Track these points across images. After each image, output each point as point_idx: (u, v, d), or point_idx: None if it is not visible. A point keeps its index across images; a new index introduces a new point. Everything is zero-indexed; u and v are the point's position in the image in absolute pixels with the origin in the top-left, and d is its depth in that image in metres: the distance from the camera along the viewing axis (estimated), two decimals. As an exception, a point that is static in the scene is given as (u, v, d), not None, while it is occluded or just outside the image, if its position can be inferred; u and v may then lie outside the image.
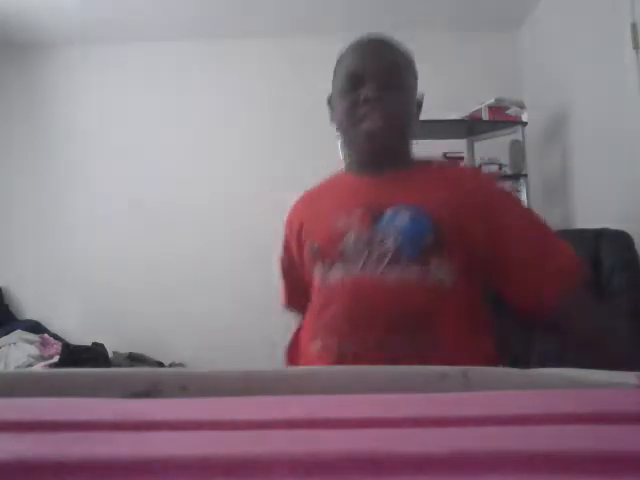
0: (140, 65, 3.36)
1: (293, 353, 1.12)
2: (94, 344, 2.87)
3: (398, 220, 0.95)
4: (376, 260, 0.94)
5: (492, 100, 2.73)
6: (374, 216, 0.97)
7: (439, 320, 0.93)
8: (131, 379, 0.49)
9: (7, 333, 2.90)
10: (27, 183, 3.31)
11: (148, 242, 3.18)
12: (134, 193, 3.22)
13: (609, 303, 1.14)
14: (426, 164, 1.08)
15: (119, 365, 2.80)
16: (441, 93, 2.66)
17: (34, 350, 2.79)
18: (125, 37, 3.26)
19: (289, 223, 1.17)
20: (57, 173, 3.32)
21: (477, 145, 2.93)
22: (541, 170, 2.92)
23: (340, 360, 0.95)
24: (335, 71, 1.07)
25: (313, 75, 3.02)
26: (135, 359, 2.93)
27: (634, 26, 1.95)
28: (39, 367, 2.61)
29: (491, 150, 2.83)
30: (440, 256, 0.93)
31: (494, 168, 2.76)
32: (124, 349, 2.97)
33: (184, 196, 3.20)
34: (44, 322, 3.16)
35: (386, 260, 0.94)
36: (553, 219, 2.66)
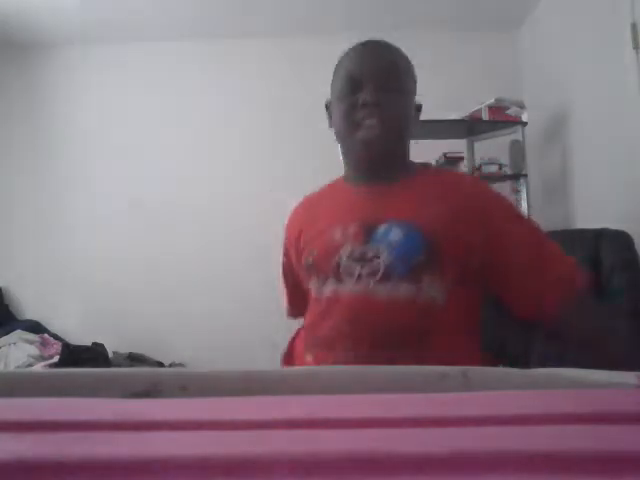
0: (140, 65, 3.36)
1: (288, 362, 1.12)
2: (94, 344, 2.87)
3: (390, 236, 0.94)
4: (368, 277, 0.94)
5: (492, 100, 2.73)
6: (368, 231, 0.96)
7: (429, 338, 0.92)
8: (131, 379, 0.49)
9: (7, 333, 2.90)
10: (27, 183, 3.31)
11: (148, 242, 3.18)
12: (134, 193, 3.22)
13: (609, 304, 1.14)
14: (424, 170, 1.07)
15: (119, 365, 2.80)
16: (441, 93, 2.66)
17: (34, 350, 2.79)
18: (125, 37, 3.26)
19: (288, 230, 1.17)
20: (57, 173, 3.32)
21: (477, 145, 2.93)
22: (541, 170, 2.92)
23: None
24: (333, 76, 1.07)
25: (313, 75, 3.02)
26: (135, 359, 2.93)
27: (634, 26, 1.95)
28: (39, 367, 2.61)
29: (491, 150, 2.83)
30: (432, 273, 0.93)
31: (494, 168, 2.76)
32: (124, 349, 2.98)
33: (184, 196, 3.21)
34: (44, 322, 3.16)
35: (377, 277, 0.93)
36: (553, 219, 2.68)
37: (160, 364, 2.94)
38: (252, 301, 3.00)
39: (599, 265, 1.37)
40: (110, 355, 2.87)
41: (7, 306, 3.20)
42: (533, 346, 1.27)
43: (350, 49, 1.05)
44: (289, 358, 1.12)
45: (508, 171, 2.73)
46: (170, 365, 2.92)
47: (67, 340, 3.01)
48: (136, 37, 3.25)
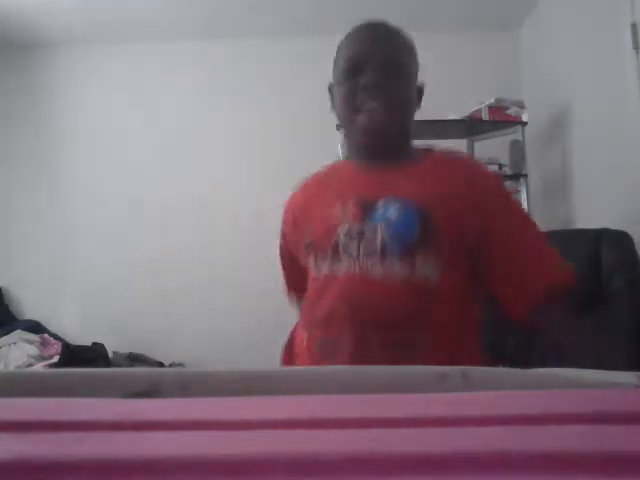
0: (140, 65, 3.36)
1: (289, 346, 1.12)
2: (94, 344, 2.87)
3: (388, 214, 0.95)
4: (365, 255, 0.94)
5: (492, 100, 2.73)
6: (366, 209, 0.97)
7: (423, 317, 0.92)
8: (131, 379, 0.49)
9: (7, 333, 2.90)
10: (27, 183, 3.31)
11: (148, 242, 3.18)
12: (134, 194, 3.22)
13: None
14: (427, 153, 1.07)
15: (119, 365, 2.80)
16: (441, 93, 2.66)
17: (34, 350, 2.79)
18: (125, 37, 3.25)
19: (287, 212, 1.17)
20: (57, 173, 3.32)
21: (477, 145, 2.93)
22: (541, 170, 2.92)
23: (322, 353, 0.96)
24: (335, 58, 1.06)
25: (313, 75, 3.02)
26: (135, 359, 2.93)
27: (634, 26, 1.95)
28: (39, 367, 2.61)
29: (491, 150, 2.83)
30: (426, 252, 0.93)
31: (494, 168, 2.75)
32: (124, 349, 2.98)
33: (184, 196, 3.20)
34: (44, 322, 3.16)
35: (373, 256, 0.94)
36: (553, 219, 2.68)
37: (160, 364, 2.94)
38: (252, 301, 3.00)
39: (599, 265, 1.37)
40: (110, 355, 2.87)
41: (7, 306, 3.20)
42: (533, 346, 1.27)
43: (351, 31, 1.05)
44: (289, 349, 1.12)
45: (508, 171, 2.73)
46: (170, 365, 2.92)
47: (67, 340, 3.01)
48: (136, 37, 3.25)
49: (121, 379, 0.50)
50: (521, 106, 2.74)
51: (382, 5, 2.95)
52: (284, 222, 1.18)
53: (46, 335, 3.01)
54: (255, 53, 3.28)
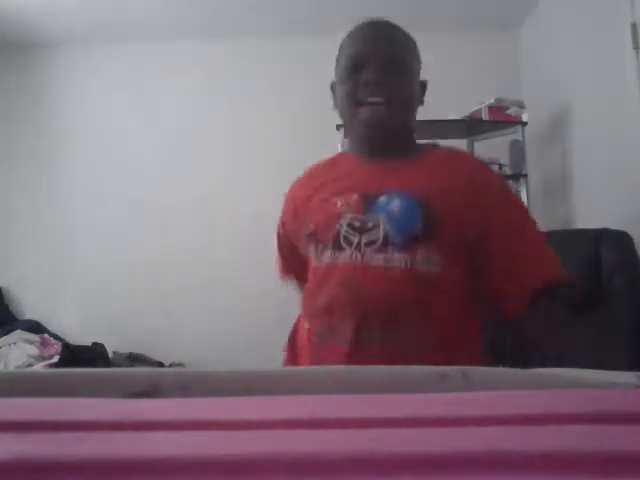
0: (140, 65, 3.36)
1: (292, 338, 1.12)
2: (94, 344, 2.87)
3: (390, 206, 0.95)
4: (366, 246, 0.95)
5: (492, 100, 2.73)
6: (368, 201, 0.97)
7: (423, 308, 0.93)
8: (131, 379, 0.49)
9: (7, 333, 2.90)
10: (27, 183, 3.31)
11: (148, 242, 3.18)
12: (134, 194, 3.22)
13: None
14: (430, 149, 1.07)
15: (119, 365, 2.80)
16: (441, 93, 2.65)
17: (34, 350, 2.79)
18: (124, 37, 3.25)
19: (287, 201, 1.17)
20: (57, 173, 3.32)
21: (477, 145, 2.93)
22: (541, 170, 2.92)
23: (322, 342, 0.97)
24: (337, 56, 1.07)
25: (314, 75, 3.02)
26: (135, 359, 2.93)
27: (634, 26, 1.95)
28: (39, 367, 2.61)
29: (491, 150, 2.83)
30: (428, 245, 0.94)
31: (494, 168, 2.76)
32: (124, 349, 2.97)
33: (184, 196, 3.20)
34: (44, 322, 3.16)
35: (375, 246, 0.94)
36: (553, 219, 2.68)
37: (160, 364, 2.94)
38: (252, 301, 3.00)
39: (599, 265, 1.37)
40: (110, 355, 2.87)
41: (7, 306, 3.20)
42: (533, 346, 1.27)
43: (353, 29, 1.05)
44: (292, 341, 1.12)
45: (508, 171, 2.73)
46: (170, 365, 2.92)
47: (67, 340, 3.00)
48: (136, 37, 3.25)
49: (121, 379, 0.50)
50: (521, 106, 2.74)
51: (382, 5, 2.95)
52: (284, 212, 1.18)
53: (46, 335, 3.01)
54: (255, 53, 3.28)
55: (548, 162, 2.87)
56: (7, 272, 3.22)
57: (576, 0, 2.50)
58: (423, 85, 1.07)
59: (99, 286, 3.18)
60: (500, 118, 2.74)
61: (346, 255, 0.96)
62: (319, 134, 2.80)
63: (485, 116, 2.74)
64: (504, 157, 2.76)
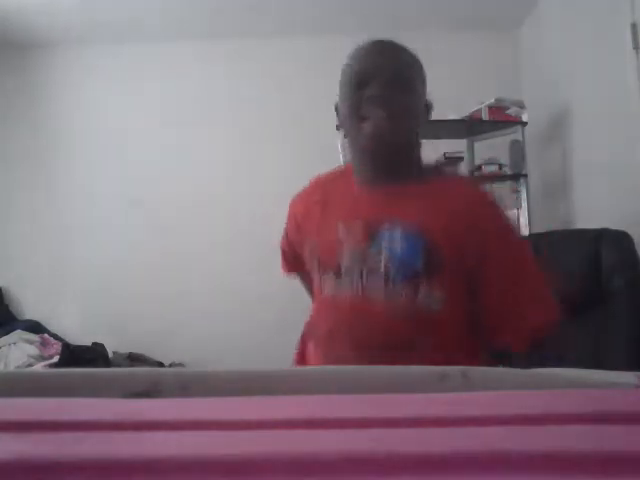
0: (139, 65, 3.35)
1: (300, 354, 1.13)
2: (94, 344, 2.87)
3: (393, 240, 0.95)
4: (367, 279, 0.95)
5: (492, 100, 2.73)
6: (370, 232, 0.97)
7: (424, 346, 0.93)
8: (131, 379, 0.49)
9: (7, 333, 2.90)
10: (26, 183, 3.30)
11: (148, 242, 3.18)
12: (134, 193, 3.22)
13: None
14: (434, 174, 1.06)
15: (119, 365, 2.80)
16: (441, 93, 2.65)
17: (34, 350, 2.79)
18: (124, 37, 3.25)
19: (290, 216, 1.18)
20: (55, 173, 3.31)
21: (477, 145, 2.93)
22: (541, 170, 2.92)
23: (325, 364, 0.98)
24: (341, 76, 1.06)
25: (314, 75, 3.02)
26: (135, 359, 2.92)
27: (634, 26, 1.95)
28: (39, 367, 2.61)
29: (491, 150, 2.83)
30: (430, 282, 0.94)
31: (494, 168, 2.76)
32: (124, 349, 2.97)
33: (184, 196, 3.20)
34: (44, 322, 3.15)
35: (376, 282, 0.95)
36: (553, 219, 2.68)
37: (160, 364, 2.93)
38: (252, 301, 3.00)
39: (599, 265, 1.37)
40: (110, 355, 2.87)
41: (7, 306, 3.20)
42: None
43: (357, 48, 1.05)
44: (301, 350, 1.13)
45: (508, 171, 2.73)
46: (170, 365, 2.92)
47: (67, 340, 3.00)
48: (135, 37, 3.25)
49: (121, 379, 0.50)
50: (521, 106, 2.74)
51: (382, 5, 2.95)
52: (288, 225, 1.19)
53: (46, 335, 3.01)
54: (255, 53, 3.28)
55: (548, 162, 2.87)
56: (7, 272, 3.22)
57: (576, 0, 2.50)
58: (428, 106, 1.07)
59: (99, 286, 3.18)
60: (500, 118, 2.74)
61: (347, 286, 0.97)
62: (319, 134, 2.80)
63: (485, 116, 2.74)
64: (504, 157, 2.76)
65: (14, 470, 0.29)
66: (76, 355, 2.67)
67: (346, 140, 1.10)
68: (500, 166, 2.75)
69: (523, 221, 2.61)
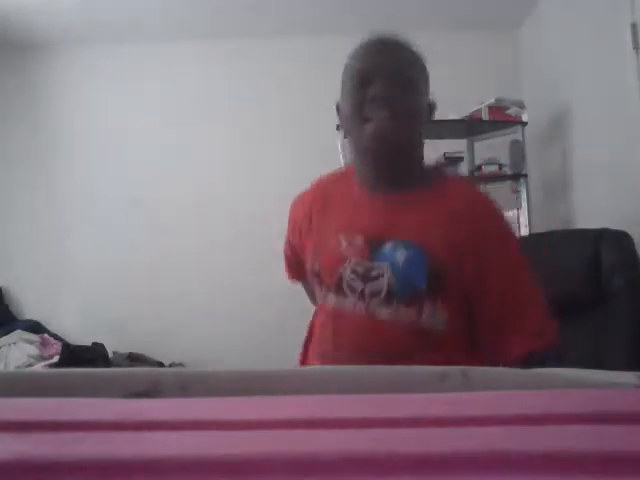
0: (139, 65, 3.35)
1: (303, 358, 1.13)
2: (94, 344, 2.86)
3: (396, 256, 0.94)
4: (370, 296, 0.94)
5: (492, 100, 2.73)
6: (373, 246, 0.96)
7: (427, 364, 0.92)
8: (131, 379, 0.49)
9: (7, 333, 2.90)
10: (26, 183, 3.30)
11: (148, 242, 3.18)
12: (134, 193, 3.22)
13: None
14: (436, 178, 1.04)
15: (119, 365, 2.80)
16: (441, 93, 2.65)
17: (34, 350, 2.79)
18: (124, 37, 3.25)
19: (291, 221, 1.16)
20: (56, 173, 3.31)
21: (477, 145, 2.93)
22: (541, 170, 2.92)
23: None
24: (343, 74, 1.04)
25: (314, 75, 3.02)
26: (135, 359, 2.92)
27: (634, 26, 1.95)
28: (39, 367, 2.61)
29: (491, 150, 2.83)
30: (433, 301, 0.93)
31: (494, 168, 2.76)
32: (124, 349, 2.97)
33: (184, 196, 3.20)
34: (44, 322, 3.15)
35: (378, 299, 0.94)
36: (553, 219, 2.68)
37: (160, 364, 2.93)
38: (252, 301, 3.00)
39: (599, 265, 1.37)
40: (110, 355, 2.87)
41: (7, 306, 3.20)
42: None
43: (359, 46, 1.02)
44: (304, 356, 1.12)
45: (508, 171, 2.73)
46: (170, 365, 2.92)
47: (67, 340, 3.00)
48: (135, 37, 3.25)
49: (121, 379, 0.50)
50: (521, 106, 2.74)
51: (382, 5, 2.95)
52: (289, 230, 1.18)
53: (46, 335, 3.01)
54: (255, 53, 3.28)
55: (548, 162, 2.87)
56: (7, 272, 3.22)
57: (576, 0, 2.50)
58: (431, 106, 1.05)
59: (99, 286, 3.18)
60: (500, 118, 2.74)
61: (350, 303, 0.96)
62: (319, 134, 2.80)
63: (485, 116, 2.74)
64: (504, 157, 2.76)
65: (14, 470, 0.29)
66: (76, 355, 2.67)
67: (347, 140, 1.08)
68: (500, 166, 2.75)
69: (523, 221, 2.61)
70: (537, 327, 0.95)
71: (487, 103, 2.73)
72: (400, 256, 0.94)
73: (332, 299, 0.99)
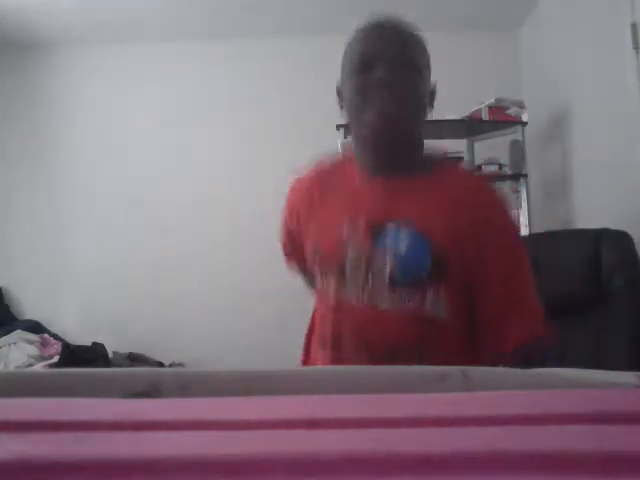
0: (139, 65, 3.35)
1: (306, 354, 1.12)
2: (94, 344, 2.86)
3: (398, 243, 0.93)
4: (371, 285, 0.94)
5: (492, 100, 2.73)
6: (375, 233, 0.95)
7: (430, 353, 0.92)
8: (131, 379, 0.49)
9: (7, 333, 2.90)
10: (26, 183, 3.30)
11: (148, 242, 3.18)
12: (134, 193, 3.22)
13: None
14: (437, 164, 1.03)
15: (119, 365, 2.80)
16: (441, 93, 2.65)
17: (34, 350, 2.79)
18: (124, 37, 3.25)
19: (290, 206, 1.14)
20: (56, 173, 3.31)
21: (477, 145, 2.93)
22: (541, 170, 2.92)
23: None
24: (344, 55, 1.02)
25: (314, 75, 3.02)
26: (135, 359, 2.92)
27: (634, 26, 1.95)
28: (39, 367, 2.61)
29: (491, 150, 2.83)
30: (436, 288, 0.92)
31: (494, 168, 2.76)
32: (124, 349, 2.97)
33: (184, 196, 3.20)
34: (44, 322, 3.15)
35: (380, 287, 0.93)
36: (553, 219, 2.68)
37: (160, 364, 2.93)
38: (252, 301, 3.00)
39: (599, 265, 1.37)
40: (110, 355, 2.87)
41: (7, 306, 3.20)
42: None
43: (362, 27, 1.00)
44: (306, 350, 1.12)
45: (508, 171, 2.73)
46: (170, 365, 2.92)
47: (67, 340, 3.00)
48: (135, 37, 3.25)
49: (121, 379, 0.50)
50: (521, 106, 2.74)
51: (382, 5, 2.95)
52: (286, 215, 1.15)
53: (46, 335, 3.01)
54: (255, 53, 3.28)
55: (548, 162, 2.87)
56: (7, 272, 3.22)
57: (576, 0, 2.50)
58: (432, 91, 1.03)
59: (99, 286, 3.18)
60: (500, 118, 2.74)
61: (351, 290, 0.95)
62: (319, 134, 2.80)
63: (485, 116, 2.74)
64: (504, 157, 2.76)
65: (14, 470, 0.29)
66: (76, 355, 2.67)
67: (348, 138, 1.07)
68: (500, 166, 2.75)
69: (523, 221, 2.61)
70: (535, 314, 0.95)
71: (487, 103, 2.73)
72: (403, 243, 0.93)
73: (333, 286, 0.98)
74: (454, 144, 2.83)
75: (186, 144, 3.27)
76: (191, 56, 3.32)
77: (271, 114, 3.22)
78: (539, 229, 2.45)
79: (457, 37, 3.14)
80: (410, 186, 0.97)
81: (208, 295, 3.09)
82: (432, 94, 1.04)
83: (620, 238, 1.40)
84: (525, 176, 2.68)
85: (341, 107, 1.04)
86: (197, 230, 3.17)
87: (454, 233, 0.93)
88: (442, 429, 0.36)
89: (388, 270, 0.93)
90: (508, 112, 2.74)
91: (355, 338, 0.95)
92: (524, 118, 2.71)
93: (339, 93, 1.04)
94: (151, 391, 0.47)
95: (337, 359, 0.98)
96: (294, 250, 1.16)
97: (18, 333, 2.91)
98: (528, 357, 0.93)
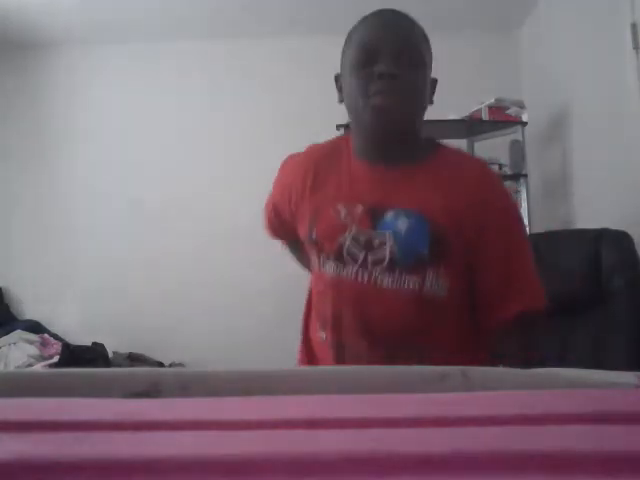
0: (140, 65, 3.35)
1: (305, 336, 1.12)
2: (94, 344, 2.86)
3: (398, 224, 0.93)
4: (371, 266, 0.94)
5: (492, 100, 2.73)
6: (375, 216, 0.95)
7: (431, 333, 0.93)
8: (131, 379, 0.49)
9: (7, 333, 2.90)
10: (27, 183, 3.30)
11: (148, 242, 3.18)
12: (134, 193, 3.22)
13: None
14: (435, 150, 1.03)
15: (119, 365, 2.80)
16: (441, 93, 2.65)
17: (34, 350, 2.79)
18: (125, 37, 3.25)
19: (282, 185, 1.14)
20: (57, 173, 3.31)
21: (477, 145, 2.93)
22: (541, 170, 2.92)
23: (337, 352, 0.98)
24: (345, 45, 1.01)
25: (314, 75, 3.02)
26: (135, 359, 2.92)
27: (634, 26, 1.95)
28: (39, 367, 2.61)
29: (491, 150, 2.82)
30: (436, 267, 0.93)
31: (494, 168, 2.76)
32: (124, 349, 2.97)
33: (184, 196, 3.20)
34: (44, 322, 3.15)
35: (381, 267, 0.93)
36: (553, 219, 2.68)
37: (160, 364, 2.93)
38: (252, 301, 3.00)
39: (599, 265, 1.37)
40: (110, 355, 2.87)
41: (7, 306, 3.20)
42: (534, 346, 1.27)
43: (364, 18, 1.00)
44: (305, 332, 1.12)
45: (508, 171, 2.73)
46: (170, 365, 2.92)
47: (67, 340, 3.00)
48: (136, 37, 3.25)
49: (121, 379, 0.50)
50: (521, 106, 2.74)
51: (382, 5, 2.95)
52: (277, 193, 1.16)
53: (46, 335, 3.01)
54: (255, 53, 3.28)
55: (548, 162, 2.87)
56: (7, 272, 3.22)
57: (576, 0, 2.50)
58: (433, 83, 1.03)
59: (99, 286, 3.18)
60: (500, 118, 2.74)
61: (351, 271, 0.95)
62: (319, 134, 2.79)
63: (485, 116, 2.74)
64: (504, 157, 2.76)
65: (14, 470, 0.29)
66: (76, 355, 2.67)
67: (349, 122, 1.05)
68: (500, 166, 2.75)
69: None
70: (535, 288, 0.96)
71: (487, 103, 2.73)
72: (402, 224, 0.93)
73: (331, 267, 0.98)
74: (454, 144, 2.82)
75: (186, 144, 3.27)
76: (191, 56, 3.32)
77: (271, 114, 3.22)
78: (539, 229, 2.45)
79: (457, 37, 3.14)
80: (409, 173, 0.98)
81: (208, 295, 3.09)
82: (433, 87, 1.04)
83: (620, 238, 1.40)
84: (525, 176, 2.68)
85: (340, 97, 1.03)
86: (197, 229, 3.17)
87: (453, 214, 0.93)
88: (442, 429, 0.36)
89: (388, 251, 0.93)
90: (508, 112, 2.74)
91: (355, 318, 0.95)
92: (524, 118, 2.71)
93: (338, 81, 1.04)
94: (151, 391, 0.47)
95: (337, 344, 0.98)
96: (280, 225, 1.17)
97: (18, 333, 2.91)
98: (528, 327, 0.94)
